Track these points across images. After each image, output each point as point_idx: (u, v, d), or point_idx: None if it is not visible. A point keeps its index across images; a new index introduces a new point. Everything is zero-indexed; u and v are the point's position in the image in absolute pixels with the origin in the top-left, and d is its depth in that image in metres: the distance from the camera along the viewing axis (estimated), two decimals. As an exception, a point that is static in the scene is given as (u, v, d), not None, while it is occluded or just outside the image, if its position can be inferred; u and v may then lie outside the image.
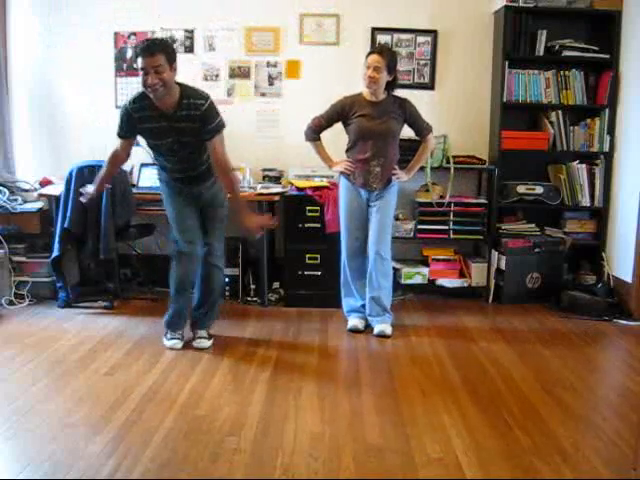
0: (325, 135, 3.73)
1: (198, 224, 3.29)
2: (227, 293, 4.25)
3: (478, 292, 4.46)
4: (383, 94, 3.53)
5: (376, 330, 3.59)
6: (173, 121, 3.03)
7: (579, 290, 4.20)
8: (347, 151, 3.65)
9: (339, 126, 3.66)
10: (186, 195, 3.27)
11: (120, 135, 3.15)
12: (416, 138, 3.85)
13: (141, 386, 2.80)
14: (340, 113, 3.59)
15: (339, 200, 3.73)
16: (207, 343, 3.36)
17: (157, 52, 2.89)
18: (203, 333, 3.39)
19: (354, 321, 3.69)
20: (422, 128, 3.64)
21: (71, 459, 2.16)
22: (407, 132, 3.71)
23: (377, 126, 3.51)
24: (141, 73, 2.91)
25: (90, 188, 3.31)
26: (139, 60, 2.91)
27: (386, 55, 3.43)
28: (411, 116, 3.60)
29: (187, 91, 3.05)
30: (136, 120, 3.06)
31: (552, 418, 2.56)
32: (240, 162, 4.36)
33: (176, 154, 3.15)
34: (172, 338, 3.35)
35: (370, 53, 3.49)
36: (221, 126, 3.07)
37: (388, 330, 3.58)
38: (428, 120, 3.66)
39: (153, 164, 3.37)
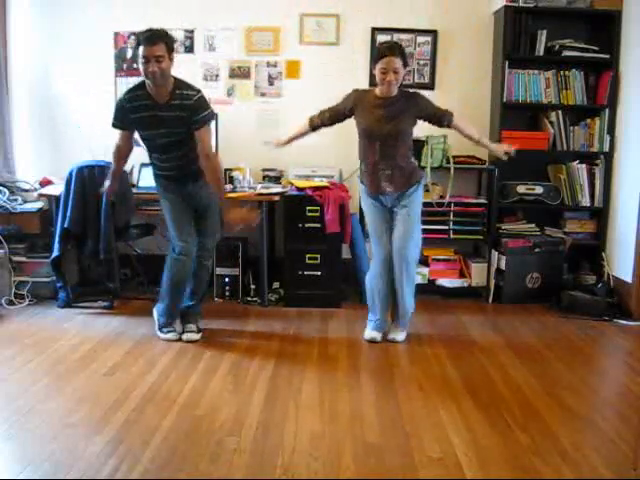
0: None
1: (192, 223, 3.40)
2: (227, 293, 4.26)
3: (478, 292, 4.45)
4: (396, 90, 3.34)
5: (389, 336, 3.53)
6: (165, 111, 3.13)
7: (579, 290, 4.20)
8: (359, 154, 3.48)
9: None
10: (180, 193, 3.36)
11: (115, 125, 3.25)
12: (418, 138, 3.82)
13: (141, 386, 2.80)
14: (348, 109, 3.40)
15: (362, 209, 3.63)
16: (196, 336, 3.45)
17: (159, 42, 3.03)
18: (192, 327, 3.48)
19: (372, 333, 3.54)
20: (443, 116, 3.36)
21: (71, 459, 2.16)
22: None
23: (385, 127, 3.31)
24: (142, 61, 3.03)
25: (106, 185, 3.41)
26: (141, 48, 3.02)
27: (399, 53, 3.22)
28: (425, 109, 3.35)
29: (180, 83, 3.19)
30: (129, 110, 3.16)
31: (552, 418, 2.56)
32: (240, 162, 4.38)
33: (167, 149, 3.24)
34: (169, 332, 3.44)
35: (383, 56, 3.20)
36: (210, 117, 3.21)
37: (399, 337, 3.52)
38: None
39: (151, 164, 3.40)
